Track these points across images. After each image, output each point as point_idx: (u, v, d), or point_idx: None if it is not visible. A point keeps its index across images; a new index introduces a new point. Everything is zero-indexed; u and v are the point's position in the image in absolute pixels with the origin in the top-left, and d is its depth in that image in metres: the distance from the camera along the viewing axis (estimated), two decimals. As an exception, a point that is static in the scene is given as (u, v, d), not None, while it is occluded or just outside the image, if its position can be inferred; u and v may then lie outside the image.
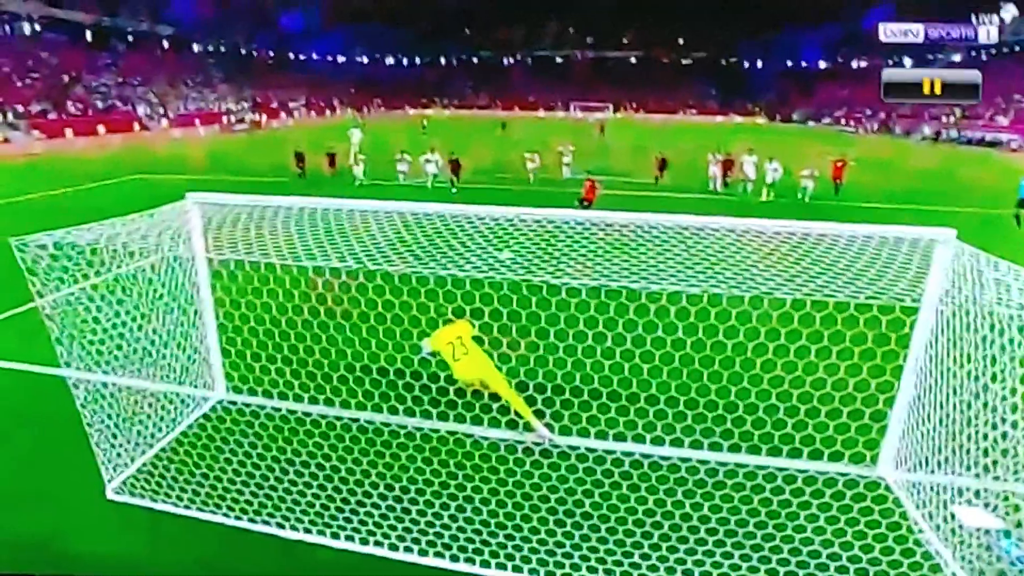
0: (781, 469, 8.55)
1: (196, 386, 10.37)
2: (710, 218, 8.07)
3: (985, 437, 7.24)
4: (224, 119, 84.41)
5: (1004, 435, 7.02)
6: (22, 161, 48.29)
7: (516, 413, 9.57)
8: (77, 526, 8.42)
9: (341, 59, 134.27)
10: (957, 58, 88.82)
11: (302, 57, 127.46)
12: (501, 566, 7.63)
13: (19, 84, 65.18)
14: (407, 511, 8.44)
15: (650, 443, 8.96)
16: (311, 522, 8.25)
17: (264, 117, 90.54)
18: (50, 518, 8.48)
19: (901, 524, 7.94)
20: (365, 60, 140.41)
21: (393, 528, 8.13)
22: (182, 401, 10.29)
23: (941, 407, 7.88)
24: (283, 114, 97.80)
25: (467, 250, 9.22)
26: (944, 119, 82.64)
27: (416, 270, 9.64)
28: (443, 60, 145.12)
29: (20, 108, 60.46)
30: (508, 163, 42.59)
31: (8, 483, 9.17)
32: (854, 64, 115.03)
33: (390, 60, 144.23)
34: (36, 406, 10.91)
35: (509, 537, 7.99)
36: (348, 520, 8.24)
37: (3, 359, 12.63)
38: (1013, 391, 6.98)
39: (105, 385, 8.95)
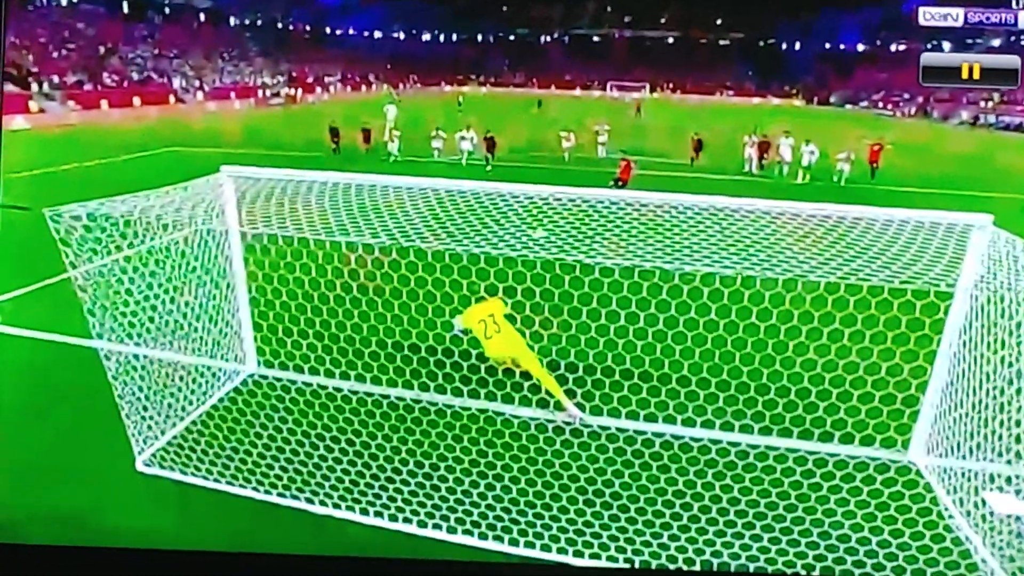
0: (812, 452, 8.54)
1: (227, 360, 10.43)
2: (745, 200, 8.04)
3: (1018, 423, 7.21)
4: (260, 93, 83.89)
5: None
6: (57, 132, 48.09)
7: (547, 392, 9.59)
8: (107, 498, 8.47)
9: (378, 34, 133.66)
10: (997, 43, 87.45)
11: (339, 32, 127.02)
12: (530, 544, 7.65)
13: (55, 55, 65.17)
14: (436, 488, 8.47)
15: (681, 424, 8.96)
16: (340, 497, 8.27)
17: (300, 91, 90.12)
18: (80, 490, 8.54)
19: (931, 510, 7.89)
20: (402, 36, 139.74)
21: (422, 505, 8.16)
22: (213, 374, 10.30)
23: (974, 393, 7.83)
24: (319, 89, 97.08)
25: (501, 228, 9.19)
26: (982, 104, 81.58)
27: (449, 247, 9.61)
28: (480, 37, 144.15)
29: (56, 79, 60.36)
30: (543, 141, 41.97)
31: (39, 454, 9.24)
32: (893, 47, 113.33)
33: (427, 36, 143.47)
34: (67, 378, 10.96)
35: (538, 516, 8.00)
36: (378, 496, 8.27)
37: (35, 330, 12.73)
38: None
39: (136, 357, 9.00)
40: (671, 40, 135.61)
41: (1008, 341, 7.40)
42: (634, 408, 9.15)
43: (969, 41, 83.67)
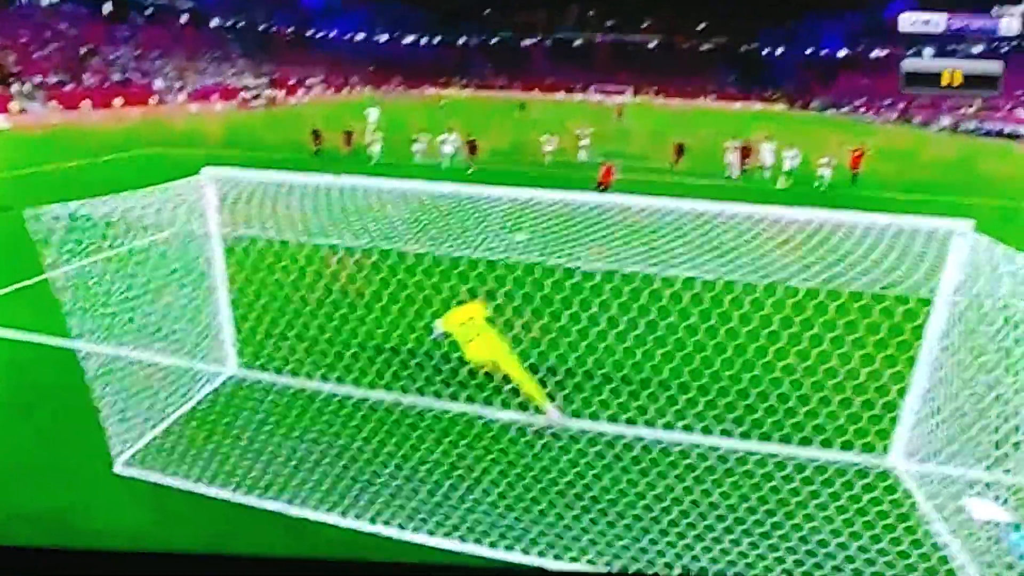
0: (792, 457, 8.54)
1: (207, 361, 10.37)
2: (726, 204, 8.04)
3: (997, 430, 7.24)
4: (241, 95, 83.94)
5: (1016, 428, 7.01)
6: (38, 132, 48.08)
7: (527, 395, 9.58)
8: (85, 500, 8.39)
9: (360, 37, 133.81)
10: (978, 49, 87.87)
11: (321, 34, 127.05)
12: (509, 547, 7.62)
13: (37, 55, 65.01)
14: (416, 491, 8.44)
15: (661, 428, 8.95)
16: (319, 500, 8.24)
17: (281, 93, 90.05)
18: (58, 491, 8.47)
19: (910, 515, 7.93)
20: (384, 38, 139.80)
21: (401, 508, 8.13)
22: (193, 376, 10.26)
23: (954, 399, 7.86)
24: (300, 91, 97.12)
25: (482, 231, 9.19)
26: (963, 110, 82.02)
27: (430, 250, 9.60)
28: (462, 40, 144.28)
29: (37, 79, 60.26)
30: (525, 145, 42.25)
31: (17, 455, 9.17)
32: (874, 53, 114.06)
33: (409, 39, 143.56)
34: (46, 379, 10.89)
35: (518, 519, 7.99)
36: (356, 499, 8.24)
37: (14, 330, 12.64)
38: (1026, 384, 6.97)
39: (116, 359, 8.95)
40: (653, 44, 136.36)
41: (988, 347, 7.43)
42: (614, 411, 9.14)
43: (951, 47, 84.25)
